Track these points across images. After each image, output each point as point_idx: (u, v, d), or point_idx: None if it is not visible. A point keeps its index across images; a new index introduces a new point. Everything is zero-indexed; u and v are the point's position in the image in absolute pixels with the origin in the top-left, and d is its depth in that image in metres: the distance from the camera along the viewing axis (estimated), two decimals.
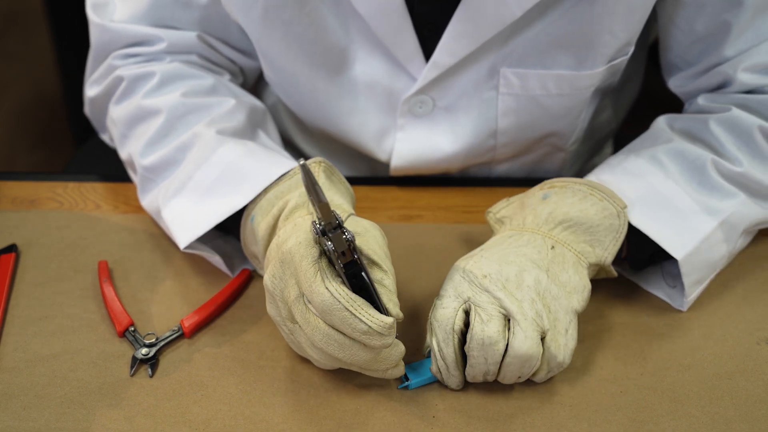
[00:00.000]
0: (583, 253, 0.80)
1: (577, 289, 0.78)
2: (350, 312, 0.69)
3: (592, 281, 0.82)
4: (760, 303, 0.87)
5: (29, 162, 2.15)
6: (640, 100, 1.23)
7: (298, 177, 0.84)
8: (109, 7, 0.98)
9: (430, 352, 0.78)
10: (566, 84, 0.95)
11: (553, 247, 0.79)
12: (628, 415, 0.77)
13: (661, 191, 0.85)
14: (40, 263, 0.92)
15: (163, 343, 0.83)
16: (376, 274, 0.74)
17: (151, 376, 0.80)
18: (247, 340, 0.84)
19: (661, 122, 0.95)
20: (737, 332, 0.85)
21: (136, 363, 0.81)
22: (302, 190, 0.83)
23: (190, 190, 0.88)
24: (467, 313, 0.76)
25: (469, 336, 0.74)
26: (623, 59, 0.95)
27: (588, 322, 0.85)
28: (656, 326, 0.85)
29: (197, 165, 0.89)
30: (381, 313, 0.72)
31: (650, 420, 0.76)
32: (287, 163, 0.86)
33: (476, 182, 1.07)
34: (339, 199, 0.82)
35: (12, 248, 0.92)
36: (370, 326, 0.69)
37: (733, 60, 0.91)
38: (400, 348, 0.75)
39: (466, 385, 0.79)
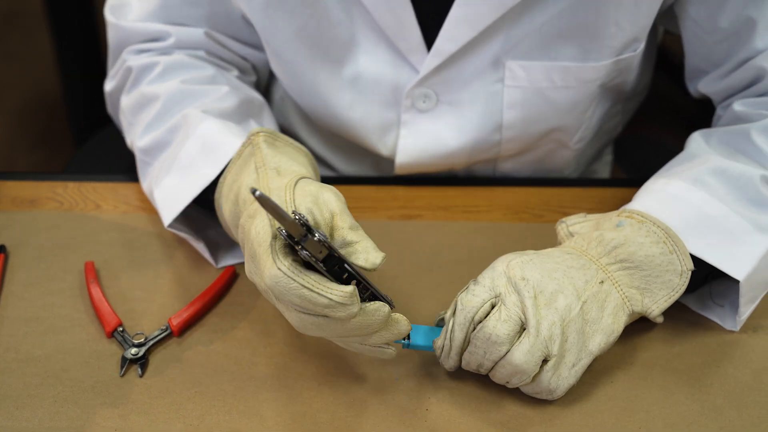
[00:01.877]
0: (630, 298, 0.78)
1: (604, 332, 0.76)
2: (307, 288, 0.66)
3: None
4: None
5: (29, 162, 2.15)
6: (644, 101, 1.23)
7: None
8: (125, 8, 1.02)
9: (439, 321, 0.79)
10: (572, 76, 0.95)
11: (602, 282, 0.77)
12: (619, 405, 0.78)
13: (710, 214, 0.82)
14: (30, 264, 0.92)
15: (152, 342, 0.83)
16: (347, 236, 0.71)
17: (141, 376, 0.80)
18: (239, 336, 0.84)
19: (697, 139, 0.92)
20: None
21: (126, 363, 0.81)
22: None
23: (177, 168, 0.89)
24: (493, 306, 0.75)
25: (480, 325, 0.74)
26: (631, 55, 0.95)
27: None
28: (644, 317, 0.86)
29: (182, 143, 0.90)
30: (381, 297, 0.72)
31: (641, 409, 0.77)
32: None
33: (477, 182, 1.07)
34: (287, 162, 0.80)
35: (1, 249, 0.92)
36: (330, 298, 0.67)
37: (765, 52, 0.90)
38: (384, 310, 0.70)
39: (459, 377, 0.80)
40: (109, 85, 1.06)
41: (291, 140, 0.85)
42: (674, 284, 0.79)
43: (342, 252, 0.70)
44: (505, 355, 0.73)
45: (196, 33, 1.00)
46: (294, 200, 0.72)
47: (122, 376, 0.80)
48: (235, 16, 1.00)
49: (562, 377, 0.74)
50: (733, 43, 0.92)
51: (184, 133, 0.91)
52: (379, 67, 0.97)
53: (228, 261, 0.92)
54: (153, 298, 0.88)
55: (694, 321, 0.86)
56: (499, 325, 0.72)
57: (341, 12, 0.93)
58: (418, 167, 1.04)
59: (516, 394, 0.78)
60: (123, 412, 0.77)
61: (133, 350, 0.82)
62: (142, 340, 0.83)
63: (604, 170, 1.27)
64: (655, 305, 0.79)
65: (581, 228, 0.84)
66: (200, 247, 0.91)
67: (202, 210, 0.92)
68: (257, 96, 1.02)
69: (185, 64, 0.99)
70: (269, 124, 1.02)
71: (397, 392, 0.79)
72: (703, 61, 0.97)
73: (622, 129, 1.21)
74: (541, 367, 0.73)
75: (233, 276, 0.90)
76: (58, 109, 2.17)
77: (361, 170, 1.14)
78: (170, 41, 1.00)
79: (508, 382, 0.75)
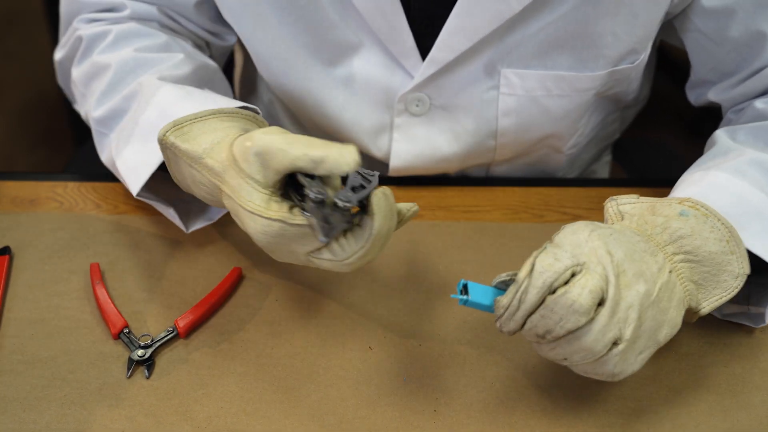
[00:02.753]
0: (689, 292, 0.74)
1: (669, 323, 0.72)
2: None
3: None
4: None
5: (29, 162, 2.14)
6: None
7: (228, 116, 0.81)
8: None
9: (498, 284, 0.73)
10: (567, 85, 0.95)
11: (670, 272, 0.73)
12: (628, 405, 0.78)
13: (753, 203, 0.80)
14: (35, 265, 0.91)
15: (158, 344, 0.82)
16: (313, 155, 0.67)
17: (148, 377, 0.80)
18: (245, 338, 0.84)
19: (722, 136, 0.91)
20: (731, 322, 0.85)
21: (133, 364, 0.80)
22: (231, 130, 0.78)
23: (138, 136, 0.87)
24: (573, 275, 0.68)
25: (562, 290, 0.67)
26: (627, 67, 0.95)
27: None
28: None
29: (140, 111, 0.88)
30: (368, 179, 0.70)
31: (649, 409, 0.77)
32: (222, 101, 0.84)
33: (477, 182, 1.07)
34: (207, 140, 0.77)
35: (5, 250, 0.92)
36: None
37: None
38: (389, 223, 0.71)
39: (467, 379, 0.80)
40: (59, 54, 1.05)
41: (193, 114, 0.79)
42: (728, 286, 0.75)
43: (322, 170, 0.67)
44: (579, 329, 0.68)
45: (150, 8, 1.00)
46: (258, 182, 0.70)
47: (129, 377, 0.80)
48: (188, 5, 1.00)
49: (628, 362, 0.70)
50: (744, 54, 0.91)
51: (142, 100, 0.89)
52: (373, 70, 0.96)
53: (198, 225, 0.92)
54: (159, 300, 0.88)
55: (702, 321, 0.85)
56: (585, 293, 0.66)
57: (335, 13, 0.92)
58: (412, 171, 1.04)
59: (524, 395, 0.78)
60: (130, 414, 0.76)
61: (140, 352, 0.81)
62: (149, 341, 0.83)
63: (603, 170, 1.27)
64: (707, 303, 0.75)
65: (633, 209, 0.80)
66: (170, 214, 0.90)
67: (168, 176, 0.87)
68: (210, 62, 1.01)
69: (138, 32, 0.98)
70: (221, 89, 1.00)
71: (405, 394, 0.79)
72: (712, 71, 0.96)
73: (620, 135, 1.21)
74: (610, 349, 0.68)
75: (239, 277, 0.90)
76: (58, 109, 2.16)
77: None
78: (125, 13, 0.99)
79: (565, 359, 0.70)
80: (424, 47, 0.93)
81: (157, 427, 0.75)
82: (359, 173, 0.70)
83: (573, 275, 0.68)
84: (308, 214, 0.69)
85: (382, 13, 0.90)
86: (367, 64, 0.96)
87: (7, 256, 0.91)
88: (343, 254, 0.70)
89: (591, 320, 0.67)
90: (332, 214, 0.68)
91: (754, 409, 0.77)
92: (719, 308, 0.85)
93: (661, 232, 0.75)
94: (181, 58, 0.95)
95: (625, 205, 0.80)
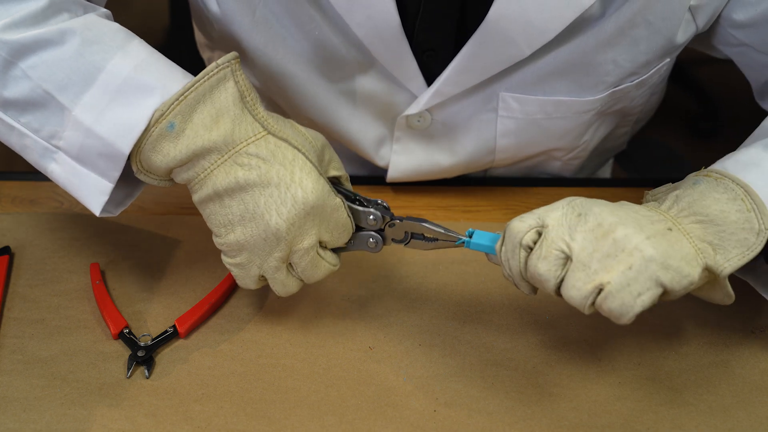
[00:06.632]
0: (702, 251, 0.72)
1: (676, 270, 0.69)
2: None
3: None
4: (753, 293, 0.88)
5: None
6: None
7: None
8: None
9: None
10: (566, 108, 0.95)
11: (670, 229, 0.72)
12: (628, 405, 0.78)
13: None
14: (35, 265, 0.91)
15: (158, 343, 0.83)
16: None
17: (148, 378, 0.80)
18: (245, 338, 0.84)
19: (766, 120, 0.88)
20: (731, 321, 0.86)
21: (133, 364, 0.81)
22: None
23: (104, 83, 0.75)
24: (540, 234, 0.72)
25: (526, 262, 0.73)
26: (628, 86, 0.94)
27: (584, 315, 0.86)
28: (651, 317, 0.86)
29: (107, 53, 0.76)
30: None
31: (649, 409, 0.77)
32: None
33: (476, 182, 1.07)
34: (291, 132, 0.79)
35: (6, 250, 0.92)
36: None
37: None
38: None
39: (467, 379, 0.80)
40: None
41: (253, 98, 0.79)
42: (750, 243, 0.74)
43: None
44: (557, 288, 0.71)
45: None
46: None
47: (129, 377, 0.80)
48: None
49: (626, 305, 0.69)
50: None
51: (111, 43, 0.77)
52: (377, 89, 0.96)
53: (106, 213, 0.81)
54: (158, 300, 0.88)
55: (702, 321, 0.86)
56: (539, 263, 0.71)
57: (337, 38, 0.91)
58: (410, 179, 1.04)
59: (524, 395, 0.78)
60: (130, 413, 0.76)
61: (140, 352, 0.81)
62: (149, 341, 0.83)
63: (604, 171, 1.27)
64: (728, 263, 0.73)
65: (664, 194, 0.80)
66: (105, 189, 0.79)
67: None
68: None
69: None
70: None
71: (405, 393, 0.79)
72: None
73: (626, 146, 1.21)
74: (599, 294, 0.69)
75: None
76: None
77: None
78: None
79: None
80: (429, 71, 0.92)
81: (157, 427, 0.75)
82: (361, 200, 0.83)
83: (540, 234, 0.73)
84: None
85: (385, 43, 0.89)
86: (371, 84, 0.95)
87: (7, 256, 0.91)
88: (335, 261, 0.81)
89: (564, 279, 0.70)
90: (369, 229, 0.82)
91: (754, 408, 0.77)
92: (759, 281, 0.83)
93: (669, 203, 0.76)
94: (108, 12, 0.83)
95: (658, 193, 0.81)
